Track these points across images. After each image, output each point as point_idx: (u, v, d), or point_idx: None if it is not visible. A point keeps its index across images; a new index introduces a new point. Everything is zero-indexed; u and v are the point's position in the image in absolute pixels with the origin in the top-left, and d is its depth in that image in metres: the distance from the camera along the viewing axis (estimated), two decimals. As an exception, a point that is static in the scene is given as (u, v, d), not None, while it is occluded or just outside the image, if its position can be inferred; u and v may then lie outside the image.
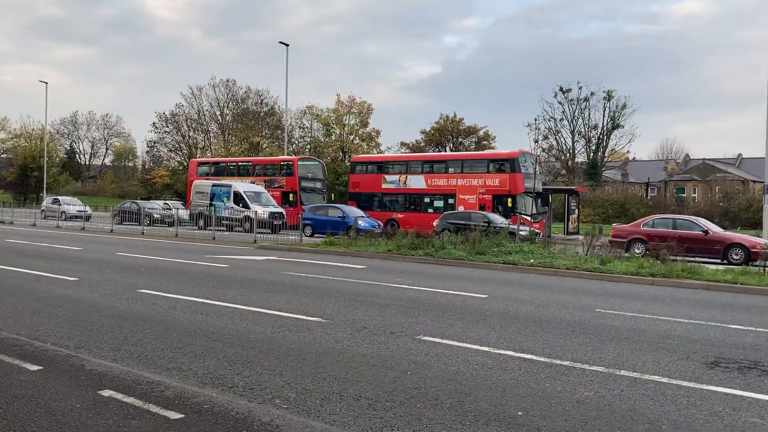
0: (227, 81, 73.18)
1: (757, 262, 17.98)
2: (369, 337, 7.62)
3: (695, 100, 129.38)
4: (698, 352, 7.32)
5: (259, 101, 73.70)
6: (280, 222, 31.15)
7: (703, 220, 23.71)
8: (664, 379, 6.09)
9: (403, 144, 69.76)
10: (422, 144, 68.60)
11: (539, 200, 33.12)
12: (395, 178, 35.75)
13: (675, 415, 5.07)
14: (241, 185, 34.59)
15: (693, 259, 18.35)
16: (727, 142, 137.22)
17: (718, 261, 20.00)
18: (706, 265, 16.86)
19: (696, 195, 64.83)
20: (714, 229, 21.94)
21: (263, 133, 70.95)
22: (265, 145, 68.38)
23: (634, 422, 4.86)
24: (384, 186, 35.99)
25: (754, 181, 62.09)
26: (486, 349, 7.16)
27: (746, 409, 5.27)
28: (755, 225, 37.51)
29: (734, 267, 17.36)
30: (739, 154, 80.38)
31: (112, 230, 30.31)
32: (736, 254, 20.10)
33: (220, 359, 6.42)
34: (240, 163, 43.53)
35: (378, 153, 59.86)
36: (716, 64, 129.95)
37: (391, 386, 5.62)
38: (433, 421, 4.74)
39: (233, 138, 70.95)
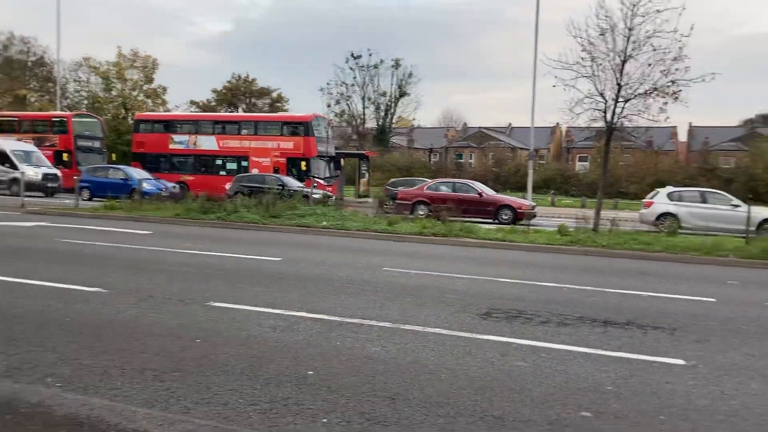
0: (-16, 24, 64.28)
1: (523, 221, 20.09)
2: (155, 306, 7.25)
3: (472, 72, 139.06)
4: (473, 304, 7.98)
5: (26, 50, 65.71)
6: (56, 184, 28.46)
7: (479, 183, 25.85)
8: (444, 331, 6.56)
9: (192, 102, 66.69)
10: (213, 103, 66.24)
11: (332, 164, 33.79)
12: (184, 138, 34.17)
13: (453, 363, 5.48)
14: (8, 143, 30.85)
15: (470, 219, 19.95)
16: (499, 111, 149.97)
17: (491, 221, 21.96)
18: (481, 225, 18.43)
19: (473, 161, 70.30)
20: (487, 191, 24.06)
21: (31, 86, 63.64)
22: (33, 99, 61.43)
23: (417, 373, 5.17)
24: (172, 146, 34.25)
25: (522, 149, 68.81)
26: (279, 311, 7.16)
27: (513, 354, 5.86)
28: (522, 188, 41.64)
29: (504, 226, 19.20)
30: (510, 124, 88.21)
31: None
32: (505, 215, 22.23)
33: (-22, 338, 5.70)
34: (3, 119, 38.66)
35: (165, 111, 56.62)
36: (490, 39, 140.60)
37: (179, 356, 5.40)
38: (222, 388, 4.64)
39: (-7, 90, 62.68)
